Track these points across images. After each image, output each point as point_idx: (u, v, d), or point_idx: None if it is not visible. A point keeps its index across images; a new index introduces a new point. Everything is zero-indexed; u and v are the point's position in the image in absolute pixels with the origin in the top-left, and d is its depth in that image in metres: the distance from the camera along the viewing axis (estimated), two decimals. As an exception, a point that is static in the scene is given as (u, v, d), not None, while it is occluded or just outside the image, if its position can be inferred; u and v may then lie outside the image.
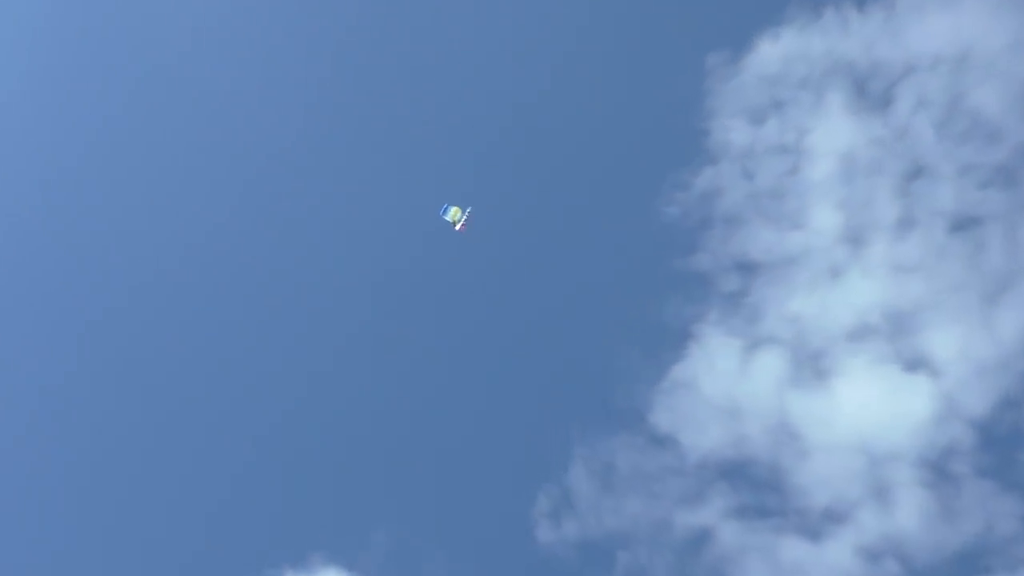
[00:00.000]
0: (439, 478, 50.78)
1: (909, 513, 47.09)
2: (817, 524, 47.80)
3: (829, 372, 50.11)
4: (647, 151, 55.47)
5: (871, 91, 53.84)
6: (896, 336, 49.87)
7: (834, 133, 53.81)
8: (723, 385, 50.65)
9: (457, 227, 47.45)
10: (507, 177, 55.95)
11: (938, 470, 47.36)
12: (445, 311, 53.60)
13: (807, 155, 54.04)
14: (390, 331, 53.34)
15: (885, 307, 50.42)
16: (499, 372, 52.64)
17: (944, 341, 49.08)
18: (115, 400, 52.87)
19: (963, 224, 50.64)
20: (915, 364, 49.29)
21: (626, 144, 55.92)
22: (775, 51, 55.30)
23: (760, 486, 48.62)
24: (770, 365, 50.70)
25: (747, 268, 52.46)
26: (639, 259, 53.48)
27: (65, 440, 52.17)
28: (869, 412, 49.01)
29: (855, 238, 51.99)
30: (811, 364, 50.45)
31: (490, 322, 53.46)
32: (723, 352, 51.24)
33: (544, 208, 55.33)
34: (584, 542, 48.95)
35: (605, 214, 54.80)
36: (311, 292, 54.23)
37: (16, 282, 54.60)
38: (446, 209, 47.61)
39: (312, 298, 54.13)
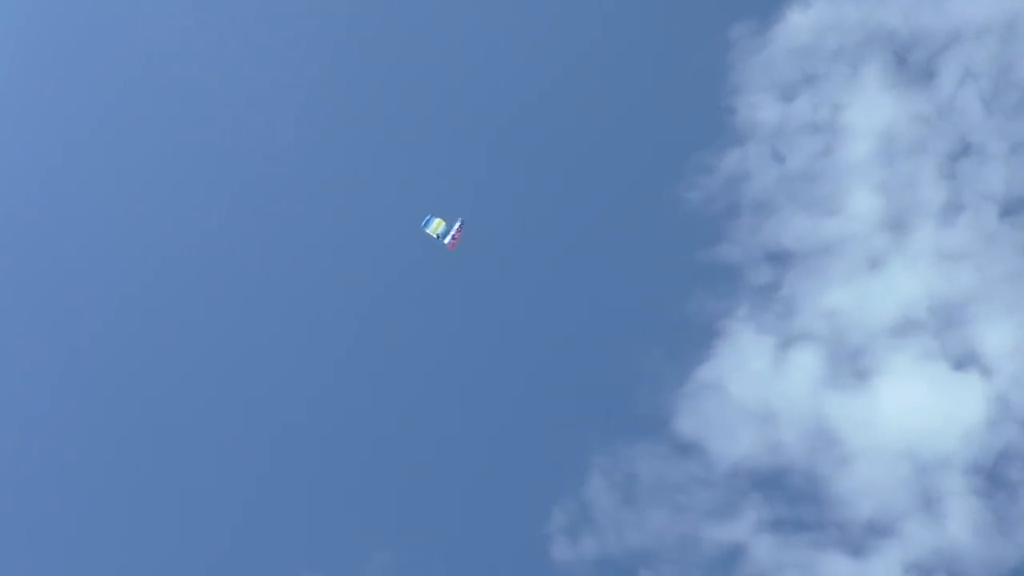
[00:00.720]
0: (443, 492, 50.39)
1: (961, 524, 46.49)
2: (860, 538, 47.09)
3: (870, 371, 49.47)
4: (666, 133, 55.24)
5: (912, 63, 53.74)
6: (943, 331, 49.40)
7: (872, 109, 53.42)
8: (754, 387, 50.00)
9: (446, 241, 46.75)
10: (512, 163, 55.80)
11: (992, 477, 46.91)
12: (449, 309, 53.63)
13: (843, 134, 53.58)
14: (391, 332, 53.29)
15: (931, 299, 49.98)
16: (508, 376, 52.21)
17: (996, 336, 48.68)
18: (105, 414, 53.47)
19: (1015, 207, 50.47)
20: (965, 361, 48.81)
21: (643, 125, 55.68)
22: (806, 20, 55.37)
23: (796, 497, 48.02)
24: (805, 364, 50.07)
25: (778, 259, 52.01)
26: (659, 251, 53.19)
27: (49, 457, 52.82)
28: (915, 414, 48.37)
29: (897, 224, 51.57)
30: (850, 363, 49.84)
31: (497, 322, 53.25)
32: (754, 351, 50.64)
33: (553, 197, 55.13)
34: (604, 560, 48.31)
35: (621, 203, 54.50)
36: (308, 294, 54.49)
37: (15, 282, 55.82)
38: (428, 221, 46.93)
39: (310, 299, 54.42)
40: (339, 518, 50.25)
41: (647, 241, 53.32)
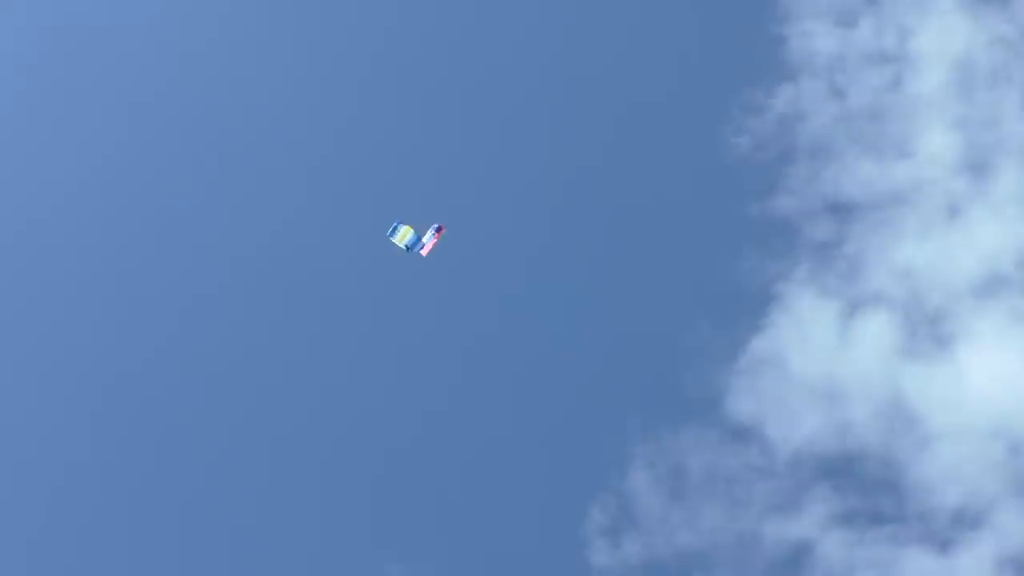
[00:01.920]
0: (467, 492, 49.91)
1: (1060, 512, 46.57)
2: (945, 530, 46.43)
3: (952, 337, 48.92)
4: (708, 69, 54.95)
5: (991, -23, 52.91)
6: (1035, 288, 49.49)
7: (946, 34, 53.09)
8: (818, 360, 49.33)
9: (418, 250, 46.63)
10: (535, 102, 55.38)
11: (1095, 457, 46.85)
12: (465, 279, 53.19)
13: (912, 63, 53.36)
14: (403, 323, 53.09)
15: (1020, 252, 49.67)
16: (536, 357, 51.48)
17: (1097, 292, 48.94)
18: (99, 416, 53.58)
19: (1114, 141, 50.96)
20: (1061, 323, 48.84)
21: (682, 60, 55.35)
22: (866, -68, 54.69)
23: (870, 486, 47.34)
24: (876, 332, 49.39)
25: (842, 210, 51.47)
26: (704, 206, 52.91)
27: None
28: (1005, 386, 47.72)
29: (978, 166, 51.20)
30: (929, 328, 49.30)
31: (521, 292, 52.77)
32: (816, 318, 50.07)
33: (581, 145, 54.66)
34: (649, 564, 47.52)
35: (659, 152, 54.08)
36: (321, 285, 54.54)
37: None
38: (395, 229, 46.66)
39: (313, 289, 54.53)
40: (348, 527, 50.31)
41: (689, 195, 53.25)
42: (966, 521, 46.18)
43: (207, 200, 56.40)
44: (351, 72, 57.51)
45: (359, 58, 57.93)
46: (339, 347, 53.31)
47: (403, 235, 46.48)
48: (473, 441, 50.86)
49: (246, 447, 51.98)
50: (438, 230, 46.74)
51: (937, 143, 51.74)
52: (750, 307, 50.49)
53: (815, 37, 54.14)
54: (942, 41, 52.93)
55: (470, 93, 56.80)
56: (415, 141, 55.81)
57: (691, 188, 53.41)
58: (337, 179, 55.74)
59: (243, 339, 53.86)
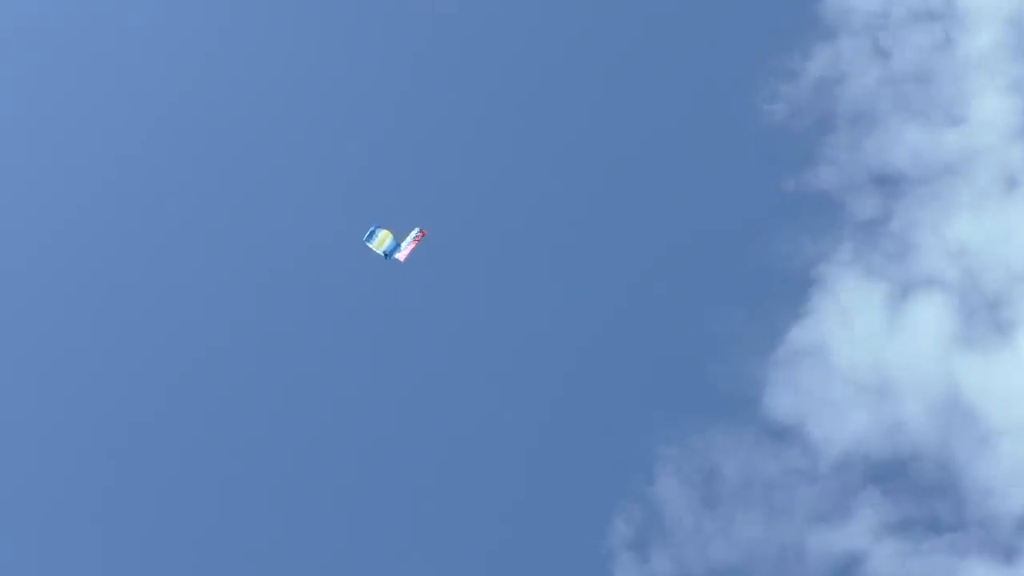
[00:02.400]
0: (480, 500, 48.94)
1: None
2: (1009, 538, 44.96)
3: (1013, 324, 47.75)
4: (738, 29, 54.55)
5: (1047, -77, 53.13)
6: (1104, 267, 49.06)
7: None
8: (865, 350, 48.16)
9: (397, 256, 45.82)
10: (547, 70, 54.96)
11: None
12: (476, 267, 52.66)
13: (962, 21, 52.69)
14: (407, 309, 52.50)
15: None
16: (552, 349, 50.42)
17: None
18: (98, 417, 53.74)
19: None
20: None
21: (708, 21, 54.92)
22: None
23: (926, 490, 46.02)
24: (929, 318, 48.30)
25: (888, 183, 50.73)
26: (735, 181, 52.11)
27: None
28: None
29: None
30: (987, 314, 48.14)
31: (536, 276, 51.85)
32: (861, 303, 49.02)
33: (600, 116, 54.24)
34: None
35: (684, 121, 53.82)
36: (328, 279, 54.37)
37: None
38: (372, 234, 45.83)
39: (313, 288, 54.36)
40: (355, 530, 49.49)
41: (720, 169, 52.53)
42: (1032, 528, 45.74)
43: (180, 205, 56.60)
44: (328, 72, 57.30)
45: (335, 58, 57.71)
46: (341, 347, 53.24)
47: (381, 240, 45.59)
48: (485, 445, 49.97)
49: (245, 450, 51.71)
50: (419, 235, 45.94)
51: (991, 108, 51.02)
52: (788, 292, 49.87)
53: (855, -8, 54.43)
54: (994, -6, 52.80)
55: (464, 64, 56.46)
56: (396, 138, 55.71)
57: (721, 161, 52.85)
58: (311, 182, 55.54)
59: (238, 340, 53.65)
